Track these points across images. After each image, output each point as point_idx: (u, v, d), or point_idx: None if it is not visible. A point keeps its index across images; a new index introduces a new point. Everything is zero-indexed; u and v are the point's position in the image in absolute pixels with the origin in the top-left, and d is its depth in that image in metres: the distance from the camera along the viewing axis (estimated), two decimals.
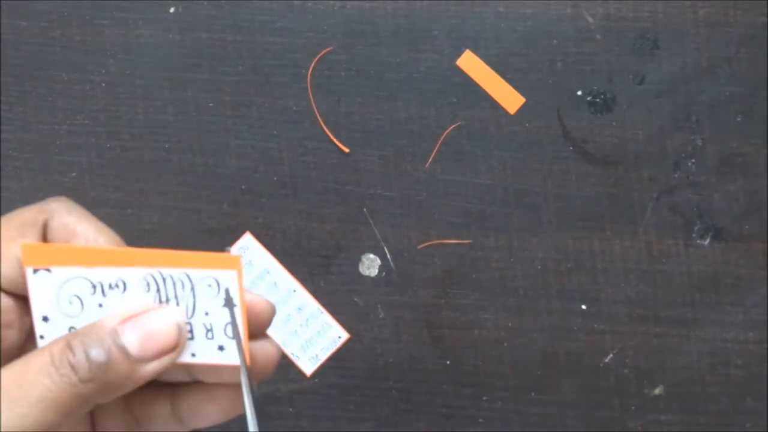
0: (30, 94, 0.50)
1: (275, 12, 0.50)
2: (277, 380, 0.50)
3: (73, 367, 0.24)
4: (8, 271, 0.26)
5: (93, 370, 0.24)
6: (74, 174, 0.50)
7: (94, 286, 0.26)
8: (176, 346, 0.26)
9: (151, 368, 0.25)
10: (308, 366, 0.50)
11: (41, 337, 0.26)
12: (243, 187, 0.50)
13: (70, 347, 0.25)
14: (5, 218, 0.27)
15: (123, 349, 0.25)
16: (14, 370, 0.24)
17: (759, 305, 0.50)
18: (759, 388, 0.50)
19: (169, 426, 0.29)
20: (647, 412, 0.50)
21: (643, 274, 0.50)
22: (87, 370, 0.24)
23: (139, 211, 0.50)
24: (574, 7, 0.50)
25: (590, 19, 0.50)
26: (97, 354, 0.25)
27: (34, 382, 0.24)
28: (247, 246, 0.50)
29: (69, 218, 0.27)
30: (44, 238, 0.27)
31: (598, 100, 0.50)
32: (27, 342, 0.28)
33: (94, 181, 0.50)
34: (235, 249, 0.50)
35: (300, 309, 0.50)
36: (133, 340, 0.25)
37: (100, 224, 0.28)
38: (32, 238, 0.26)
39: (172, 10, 0.50)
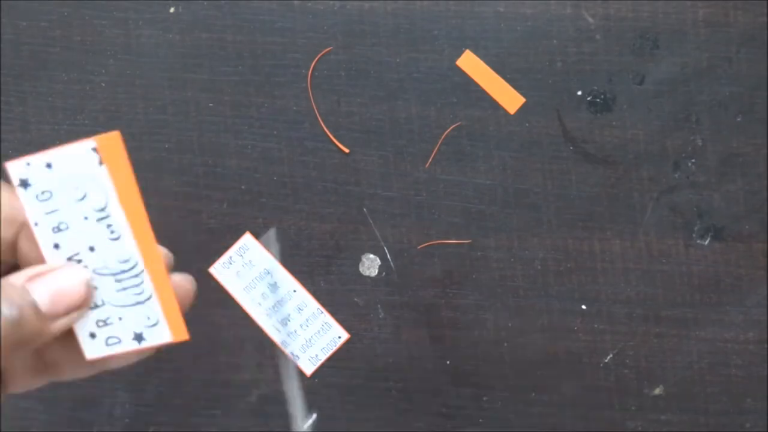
0: (30, 94, 0.50)
1: (275, 12, 0.50)
2: (277, 380, 0.50)
3: None
4: None
5: (6, 328, 0.25)
6: None
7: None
8: (85, 302, 0.27)
9: (61, 324, 0.26)
10: (308, 366, 0.50)
11: (36, 224, 0.27)
12: (243, 187, 0.50)
13: None
14: None
15: (34, 306, 0.25)
16: None
17: (759, 305, 0.50)
18: (759, 388, 0.50)
19: (81, 371, 0.29)
20: (647, 412, 0.50)
21: (643, 274, 0.50)
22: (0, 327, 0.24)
23: None
24: (574, 7, 0.50)
25: (590, 19, 0.50)
26: (10, 311, 0.25)
27: None
28: (247, 246, 0.50)
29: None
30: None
31: (598, 100, 0.50)
32: None
33: None
34: (235, 249, 0.50)
35: (300, 309, 0.50)
36: (43, 297, 0.26)
37: (12, 188, 0.28)
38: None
39: (172, 10, 0.50)
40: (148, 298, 0.27)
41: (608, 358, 0.50)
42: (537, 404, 0.50)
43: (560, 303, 0.50)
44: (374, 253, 0.50)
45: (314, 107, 0.50)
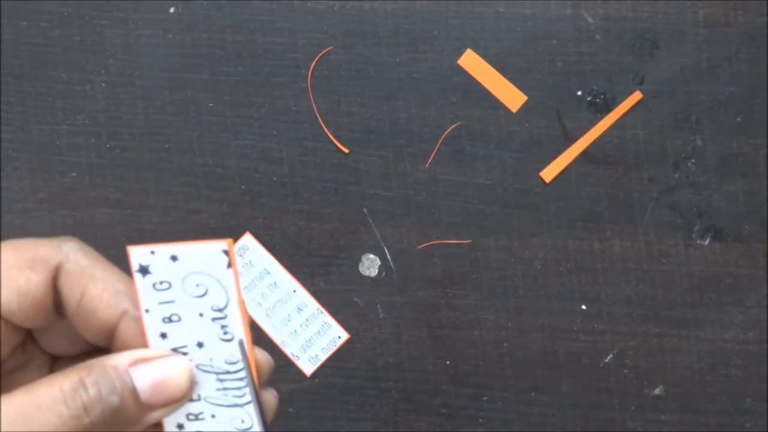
0: (30, 94, 0.50)
1: (275, 12, 0.50)
2: (277, 380, 0.50)
3: (85, 408, 0.23)
4: (7, 299, 0.25)
5: (105, 412, 0.24)
6: (74, 174, 0.50)
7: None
8: (185, 396, 0.26)
9: (157, 415, 0.25)
10: (308, 366, 0.50)
11: (146, 310, 0.26)
12: (243, 187, 0.50)
13: (83, 385, 0.24)
14: (14, 245, 0.26)
15: (134, 393, 0.24)
16: (18, 401, 0.23)
17: (759, 305, 0.50)
18: (759, 388, 0.50)
19: None
20: (647, 412, 0.50)
21: (643, 274, 0.50)
22: (99, 412, 0.23)
23: (139, 211, 0.50)
24: (574, 7, 0.50)
25: (590, 19, 0.50)
26: (111, 395, 0.24)
27: (41, 419, 0.23)
28: (247, 246, 0.50)
29: (84, 262, 0.26)
30: (54, 278, 0.26)
31: (598, 100, 0.50)
32: (16, 369, 0.27)
33: (94, 181, 0.50)
34: (235, 249, 0.50)
35: (300, 309, 0.50)
36: (145, 385, 0.25)
37: (113, 268, 0.27)
38: (42, 276, 0.26)
39: (172, 10, 0.50)
40: (248, 403, 0.27)
41: (608, 358, 0.50)
42: (537, 404, 0.50)
43: (560, 303, 0.50)
44: (374, 253, 0.50)
45: (314, 107, 0.50)
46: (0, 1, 0.50)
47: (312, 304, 0.50)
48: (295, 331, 0.50)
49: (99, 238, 0.50)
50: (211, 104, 0.50)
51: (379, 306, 0.50)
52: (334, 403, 0.50)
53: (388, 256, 0.50)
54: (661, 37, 0.50)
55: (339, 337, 0.50)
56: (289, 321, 0.50)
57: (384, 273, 0.50)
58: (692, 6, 0.50)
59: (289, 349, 0.50)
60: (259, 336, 0.50)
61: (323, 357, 0.50)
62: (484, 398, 0.50)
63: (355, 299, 0.50)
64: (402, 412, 0.50)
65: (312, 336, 0.50)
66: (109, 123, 0.50)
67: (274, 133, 0.50)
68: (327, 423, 0.50)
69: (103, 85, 0.50)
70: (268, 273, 0.50)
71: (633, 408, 0.50)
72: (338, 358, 0.50)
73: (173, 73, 0.50)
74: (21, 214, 0.50)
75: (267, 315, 0.50)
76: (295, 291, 0.50)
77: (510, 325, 0.50)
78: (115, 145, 0.50)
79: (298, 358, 0.50)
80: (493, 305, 0.50)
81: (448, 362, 0.50)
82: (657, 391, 0.50)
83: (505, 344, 0.50)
